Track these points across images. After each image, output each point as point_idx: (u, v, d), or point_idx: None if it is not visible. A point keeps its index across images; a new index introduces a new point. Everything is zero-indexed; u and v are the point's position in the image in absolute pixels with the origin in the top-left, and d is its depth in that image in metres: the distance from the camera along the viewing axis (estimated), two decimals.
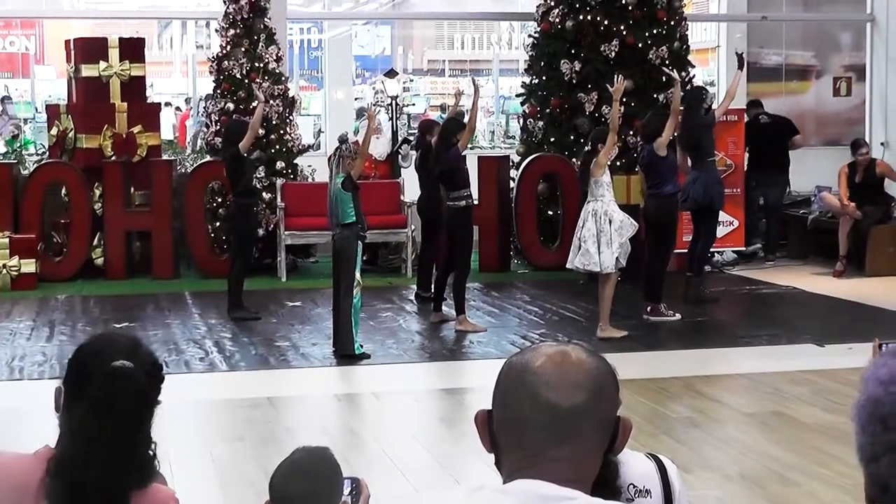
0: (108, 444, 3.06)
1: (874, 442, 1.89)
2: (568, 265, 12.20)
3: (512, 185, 16.57)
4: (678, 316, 13.03)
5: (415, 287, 14.73)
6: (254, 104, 14.37)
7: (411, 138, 17.81)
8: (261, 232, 15.94)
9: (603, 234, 11.72)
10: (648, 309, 13.00)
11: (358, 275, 11.27)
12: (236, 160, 13.02)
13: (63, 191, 16.00)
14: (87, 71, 16.23)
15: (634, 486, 2.81)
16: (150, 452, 3.18)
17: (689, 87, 15.24)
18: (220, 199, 15.99)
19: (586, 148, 12.54)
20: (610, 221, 11.73)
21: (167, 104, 24.00)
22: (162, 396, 3.23)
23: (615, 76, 12.64)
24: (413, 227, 15.71)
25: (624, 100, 12.22)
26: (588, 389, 2.20)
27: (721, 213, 14.87)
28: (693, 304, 13.72)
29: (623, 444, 2.28)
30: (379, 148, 17.08)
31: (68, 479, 3.05)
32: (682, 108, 13.43)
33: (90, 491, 3.05)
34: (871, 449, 1.90)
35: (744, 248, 16.90)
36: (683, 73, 16.72)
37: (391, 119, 19.06)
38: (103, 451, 3.06)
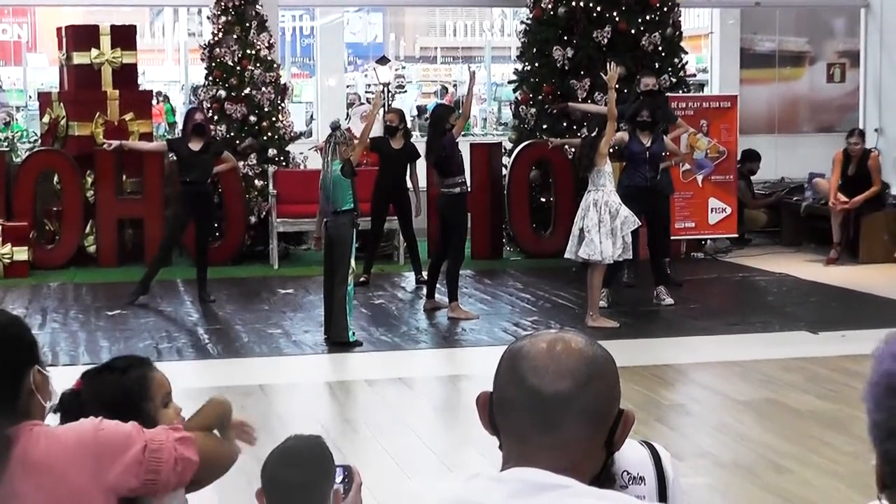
0: None
1: (891, 416, 1.83)
2: (567, 255, 12.13)
3: (504, 172, 16.54)
4: (671, 301, 13.03)
5: (408, 274, 14.70)
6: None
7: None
8: (252, 219, 15.96)
9: (603, 224, 11.70)
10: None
11: (353, 262, 11.26)
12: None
13: (55, 178, 15.96)
14: (79, 58, 16.20)
15: (629, 473, 2.79)
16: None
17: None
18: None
19: (592, 135, 12.46)
20: (610, 212, 11.72)
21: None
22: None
23: (608, 63, 12.60)
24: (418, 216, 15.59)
25: (616, 87, 12.17)
26: (576, 378, 2.17)
27: (714, 199, 14.85)
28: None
29: (623, 437, 2.24)
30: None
31: None
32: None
33: None
34: (886, 425, 1.84)
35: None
36: (676, 60, 16.73)
37: (383, 106, 19.01)
38: None
